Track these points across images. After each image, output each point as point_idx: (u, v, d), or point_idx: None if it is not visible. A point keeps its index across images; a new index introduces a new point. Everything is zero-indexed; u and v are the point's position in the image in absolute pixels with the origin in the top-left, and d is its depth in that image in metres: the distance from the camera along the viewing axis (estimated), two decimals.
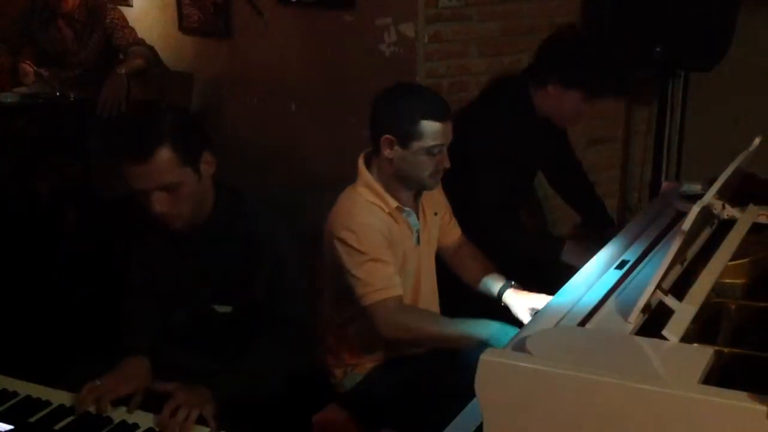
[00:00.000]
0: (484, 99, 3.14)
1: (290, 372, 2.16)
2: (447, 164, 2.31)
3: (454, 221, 2.64)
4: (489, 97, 3.10)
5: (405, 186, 2.35)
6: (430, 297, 2.52)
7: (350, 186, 2.37)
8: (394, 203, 2.32)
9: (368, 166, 2.36)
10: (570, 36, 3.11)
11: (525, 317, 2.38)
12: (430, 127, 2.24)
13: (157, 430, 1.82)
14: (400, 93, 2.33)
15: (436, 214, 2.52)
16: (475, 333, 2.22)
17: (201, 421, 1.85)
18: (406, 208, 2.36)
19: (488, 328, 2.22)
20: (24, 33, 4.35)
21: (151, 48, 4.35)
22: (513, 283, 2.51)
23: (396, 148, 2.27)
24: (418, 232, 2.41)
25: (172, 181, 1.97)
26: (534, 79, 2.88)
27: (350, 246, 2.25)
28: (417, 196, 2.42)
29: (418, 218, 2.42)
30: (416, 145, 2.25)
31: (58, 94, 4.13)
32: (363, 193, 2.32)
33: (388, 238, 2.29)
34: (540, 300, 2.37)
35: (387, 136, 2.26)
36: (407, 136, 2.24)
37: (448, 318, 2.33)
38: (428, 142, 2.24)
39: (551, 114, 2.89)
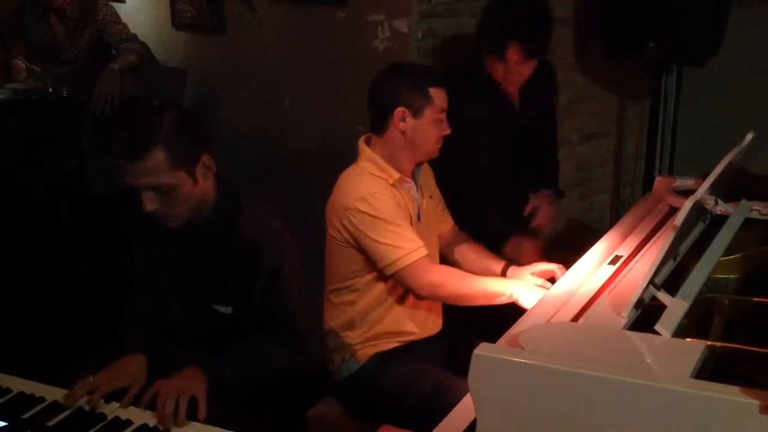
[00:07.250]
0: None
1: (280, 372, 2.15)
2: (448, 130, 2.41)
3: (446, 212, 2.68)
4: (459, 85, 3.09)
5: (410, 159, 2.42)
6: None
7: (351, 166, 2.42)
8: (396, 174, 2.38)
9: (368, 146, 2.43)
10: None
11: (532, 282, 2.36)
12: (437, 93, 2.36)
13: (151, 425, 1.82)
14: (401, 69, 2.45)
15: (431, 197, 2.56)
16: (505, 291, 2.26)
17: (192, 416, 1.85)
18: (408, 180, 2.43)
19: (517, 287, 2.26)
20: (15, 28, 4.33)
21: (143, 44, 4.33)
22: (512, 261, 2.56)
23: (409, 119, 2.35)
24: (419, 207, 2.45)
25: (162, 183, 1.95)
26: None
27: (367, 214, 2.29)
28: (415, 172, 2.47)
29: (418, 192, 2.47)
30: (428, 111, 2.35)
31: (50, 90, 4.10)
32: (367, 167, 2.38)
33: (399, 205, 2.35)
34: (539, 267, 2.41)
35: (400, 108, 2.34)
36: (420, 105, 2.35)
37: (477, 276, 2.37)
38: (437, 108, 2.36)
39: (501, 80, 2.89)
